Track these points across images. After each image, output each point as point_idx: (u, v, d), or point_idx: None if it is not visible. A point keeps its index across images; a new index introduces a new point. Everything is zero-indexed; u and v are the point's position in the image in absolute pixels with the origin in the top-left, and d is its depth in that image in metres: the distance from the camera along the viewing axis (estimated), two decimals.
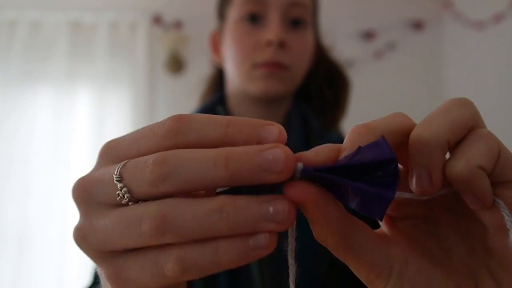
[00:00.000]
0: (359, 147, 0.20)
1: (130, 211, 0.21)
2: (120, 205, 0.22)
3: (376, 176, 0.19)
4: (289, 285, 0.22)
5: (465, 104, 0.23)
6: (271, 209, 0.19)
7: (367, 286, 0.24)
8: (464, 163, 0.21)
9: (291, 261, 0.22)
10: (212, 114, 0.22)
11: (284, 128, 0.21)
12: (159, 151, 0.20)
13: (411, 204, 0.26)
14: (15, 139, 1.94)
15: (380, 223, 0.27)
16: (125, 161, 0.21)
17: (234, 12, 0.66)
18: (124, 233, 0.21)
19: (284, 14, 0.63)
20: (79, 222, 0.23)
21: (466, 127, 0.22)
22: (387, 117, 0.23)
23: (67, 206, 1.87)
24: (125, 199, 0.21)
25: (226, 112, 0.69)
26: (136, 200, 0.21)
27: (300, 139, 0.65)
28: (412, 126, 0.22)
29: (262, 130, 0.20)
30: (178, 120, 0.21)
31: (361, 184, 0.19)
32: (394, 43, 2.09)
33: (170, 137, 0.21)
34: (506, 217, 0.21)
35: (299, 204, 0.20)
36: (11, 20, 2.00)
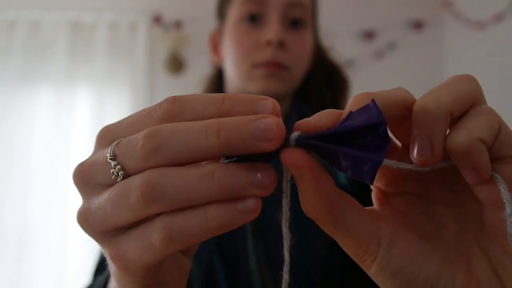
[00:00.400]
0: (350, 112, 0.21)
1: (120, 185, 0.21)
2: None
3: (366, 140, 0.20)
4: (283, 254, 0.23)
5: (469, 80, 0.23)
6: (259, 175, 0.20)
7: (357, 262, 0.24)
8: (465, 135, 0.21)
9: (285, 230, 0.22)
10: None
11: None
12: None
13: (408, 180, 0.26)
14: (15, 139, 1.94)
15: (373, 200, 0.27)
16: (118, 140, 0.22)
17: (233, 12, 0.66)
18: (115, 208, 0.21)
19: (284, 14, 0.63)
20: (81, 206, 0.23)
21: (469, 101, 0.22)
22: (389, 90, 0.23)
23: (67, 206, 1.87)
24: (120, 177, 0.21)
25: None
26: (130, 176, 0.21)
27: None
28: (413, 101, 0.23)
29: (257, 104, 0.21)
30: (174, 102, 0.21)
31: (351, 149, 0.19)
32: (394, 43, 2.09)
33: (166, 119, 0.21)
34: (503, 191, 0.21)
35: (295, 169, 0.21)
36: (11, 19, 2.00)
